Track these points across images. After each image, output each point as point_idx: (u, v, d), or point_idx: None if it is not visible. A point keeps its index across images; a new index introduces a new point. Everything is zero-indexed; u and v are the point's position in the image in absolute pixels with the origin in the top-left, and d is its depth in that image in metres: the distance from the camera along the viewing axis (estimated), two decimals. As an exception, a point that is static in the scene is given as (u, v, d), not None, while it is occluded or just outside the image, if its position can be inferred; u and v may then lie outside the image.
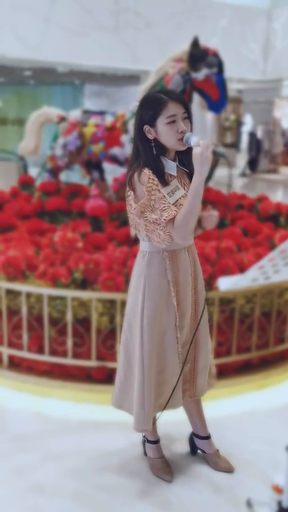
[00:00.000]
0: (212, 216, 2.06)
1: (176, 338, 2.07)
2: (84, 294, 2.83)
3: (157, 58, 4.52)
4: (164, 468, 2.25)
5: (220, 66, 3.90)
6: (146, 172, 1.90)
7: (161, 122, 1.89)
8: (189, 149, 1.89)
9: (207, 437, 2.33)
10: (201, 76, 3.87)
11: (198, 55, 3.85)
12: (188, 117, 1.94)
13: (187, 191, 1.96)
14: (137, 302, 2.06)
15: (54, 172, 4.60)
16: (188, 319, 2.10)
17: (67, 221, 4.14)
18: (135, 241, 2.14)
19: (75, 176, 6.04)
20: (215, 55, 3.89)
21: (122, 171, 4.77)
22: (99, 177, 4.71)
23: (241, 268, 3.01)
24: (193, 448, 2.39)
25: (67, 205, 4.37)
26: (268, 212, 4.37)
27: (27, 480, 2.22)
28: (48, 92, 14.46)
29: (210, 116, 15.15)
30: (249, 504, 2.06)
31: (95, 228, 3.79)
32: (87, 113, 4.42)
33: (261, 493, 2.11)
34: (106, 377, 2.90)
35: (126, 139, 4.07)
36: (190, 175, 1.99)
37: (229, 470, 2.27)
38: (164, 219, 1.88)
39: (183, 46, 3.95)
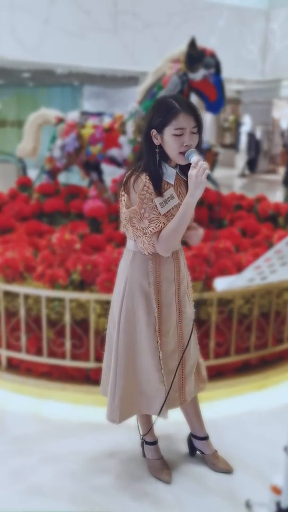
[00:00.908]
0: (197, 235, 2.06)
1: (156, 342, 2.04)
2: (82, 296, 2.82)
3: (155, 59, 4.52)
4: (163, 469, 2.25)
5: (217, 66, 3.90)
6: (143, 179, 1.88)
7: (168, 132, 1.86)
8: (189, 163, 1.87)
9: (205, 438, 2.32)
10: (199, 76, 3.87)
11: (195, 55, 3.85)
12: (199, 131, 1.89)
13: (181, 201, 1.95)
14: (118, 297, 2.08)
15: (53, 173, 4.60)
16: (173, 327, 2.07)
17: (66, 222, 4.13)
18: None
19: (74, 177, 6.04)
20: (213, 55, 3.89)
21: (120, 172, 4.77)
22: (97, 179, 4.71)
23: (240, 269, 3.01)
24: (192, 449, 2.38)
25: (65, 207, 4.37)
26: (267, 213, 4.36)
27: (26, 482, 2.21)
28: (47, 94, 14.46)
29: (209, 117, 15.16)
30: (248, 505, 2.06)
31: (93, 229, 3.79)
32: (85, 114, 4.42)
33: (260, 494, 2.10)
34: (105, 378, 2.90)
35: (124, 140, 4.07)
36: (188, 185, 1.98)
37: (227, 471, 2.27)
38: (150, 231, 1.88)
39: (181, 47, 3.95)
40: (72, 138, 4.29)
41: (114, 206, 4.16)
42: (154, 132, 1.89)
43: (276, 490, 1.66)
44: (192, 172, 1.80)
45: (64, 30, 8.86)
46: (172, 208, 1.93)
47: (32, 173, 6.75)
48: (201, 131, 1.91)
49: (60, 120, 4.48)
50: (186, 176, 1.97)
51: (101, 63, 9.64)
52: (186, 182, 1.98)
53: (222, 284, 1.45)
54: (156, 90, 3.98)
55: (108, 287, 2.82)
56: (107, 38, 9.28)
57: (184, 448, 2.42)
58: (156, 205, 1.89)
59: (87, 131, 4.24)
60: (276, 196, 10.70)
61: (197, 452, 2.38)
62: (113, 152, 4.14)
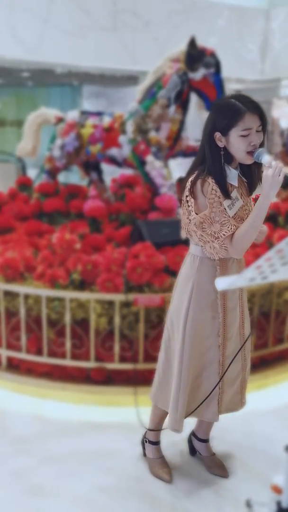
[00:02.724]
0: (262, 232, 2.04)
1: (218, 346, 2.05)
2: (83, 295, 2.82)
3: (155, 58, 4.51)
4: (163, 468, 2.25)
5: (217, 66, 3.90)
6: (210, 182, 1.85)
7: (235, 134, 1.83)
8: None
9: (205, 441, 2.33)
10: (199, 76, 3.86)
11: (195, 55, 3.84)
12: (263, 129, 1.87)
13: (244, 201, 1.94)
14: (182, 304, 2.03)
15: (52, 173, 4.60)
16: (236, 330, 2.07)
17: (66, 222, 4.13)
18: (186, 242, 2.12)
19: (74, 177, 6.03)
20: (213, 55, 3.89)
21: (120, 172, 4.77)
22: (97, 178, 4.70)
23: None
24: (192, 449, 2.39)
25: (65, 206, 4.37)
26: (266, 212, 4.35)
27: (27, 482, 2.21)
28: (47, 94, 14.44)
29: (208, 116, 15.13)
30: (248, 504, 2.05)
31: (93, 229, 3.78)
32: (85, 114, 4.41)
33: (261, 493, 2.10)
34: (105, 378, 2.90)
35: (124, 140, 4.07)
36: (248, 186, 1.98)
37: (223, 475, 2.26)
38: (223, 234, 1.85)
39: (181, 46, 3.95)
40: (71, 138, 4.29)
41: (114, 206, 4.16)
42: (218, 135, 1.86)
43: (277, 490, 1.65)
44: (268, 173, 1.76)
45: (63, 30, 8.86)
46: (239, 209, 1.91)
47: (32, 173, 6.75)
48: (266, 129, 1.88)
49: (60, 120, 4.48)
50: (246, 176, 1.97)
51: (101, 62, 9.63)
52: (246, 183, 1.98)
53: (223, 283, 1.45)
54: (156, 89, 3.98)
55: (108, 287, 2.82)
56: (106, 37, 9.27)
57: (185, 447, 2.42)
58: (225, 208, 1.87)
59: (87, 131, 4.23)
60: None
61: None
62: (113, 151, 4.13)
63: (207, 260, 1.98)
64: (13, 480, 2.23)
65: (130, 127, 4.04)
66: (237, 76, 11.63)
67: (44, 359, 2.92)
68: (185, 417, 2.11)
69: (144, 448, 2.34)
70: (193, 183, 1.89)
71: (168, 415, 2.13)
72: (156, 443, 2.29)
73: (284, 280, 2.55)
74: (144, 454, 2.33)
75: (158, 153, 3.99)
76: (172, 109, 3.96)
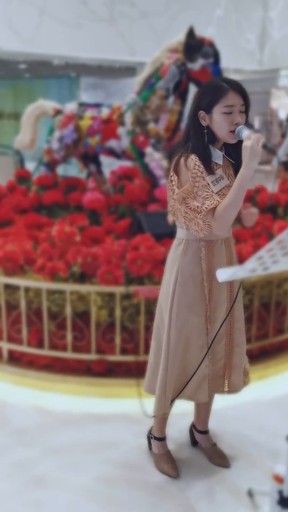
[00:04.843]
0: (252, 214, 2.04)
1: (206, 329, 2.06)
2: (83, 288, 2.82)
3: (152, 49, 4.48)
4: (169, 463, 2.24)
5: (216, 56, 3.87)
6: (193, 158, 1.87)
7: (218, 111, 1.85)
8: (238, 141, 1.86)
9: (205, 432, 2.35)
10: (197, 66, 3.84)
11: (194, 45, 3.81)
12: (246, 110, 1.89)
13: (231, 182, 1.94)
14: (169, 288, 2.05)
15: (51, 165, 4.57)
16: (223, 313, 2.07)
17: (65, 214, 4.12)
18: (173, 227, 2.11)
19: (73, 169, 6.01)
20: (211, 45, 3.86)
21: (119, 164, 4.75)
22: (96, 170, 4.68)
23: (240, 259, 3.01)
24: (193, 439, 2.40)
25: (64, 199, 4.35)
26: (266, 203, 4.35)
27: (28, 474, 2.22)
28: (44, 85, 14.35)
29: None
30: (250, 494, 2.07)
31: (92, 222, 3.78)
32: (83, 105, 4.39)
33: (262, 483, 2.12)
34: (106, 370, 2.91)
35: (122, 131, 4.04)
36: (235, 167, 1.98)
37: (224, 465, 2.27)
38: (206, 208, 1.85)
39: (179, 37, 3.92)
40: (70, 130, 4.27)
41: (113, 198, 4.15)
42: (202, 113, 1.89)
43: (278, 479, 1.67)
44: (246, 143, 1.77)
45: (60, 21, 8.79)
46: (223, 188, 1.92)
47: (30, 166, 6.72)
48: (249, 110, 1.91)
49: (58, 112, 4.45)
50: (232, 158, 1.97)
51: (98, 53, 9.56)
52: (233, 164, 1.98)
53: (224, 275, 1.45)
54: (154, 80, 3.95)
55: (109, 279, 2.82)
56: (103, 28, 9.20)
57: (186, 438, 2.43)
58: (208, 183, 1.88)
59: (85, 123, 4.21)
60: (275, 187, 10.66)
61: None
62: (112, 143, 4.11)
63: (192, 243, 1.99)
64: (15, 472, 2.24)
65: (128, 118, 4.02)
66: (235, 66, 11.56)
67: (45, 352, 2.93)
68: (176, 399, 2.13)
69: (149, 442, 2.34)
70: (177, 161, 1.92)
71: (155, 400, 2.13)
72: (162, 439, 2.29)
73: (284, 271, 2.55)
74: (150, 448, 2.34)
75: (157, 145, 3.98)
76: (171, 100, 3.94)
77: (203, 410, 2.32)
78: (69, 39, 9.01)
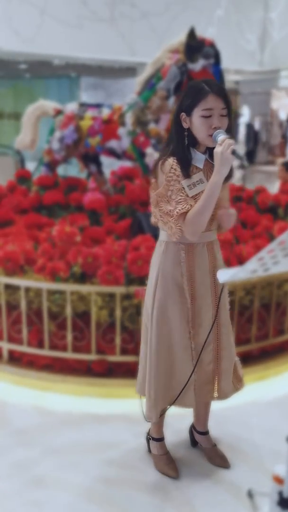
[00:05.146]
0: (230, 215, 1.99)
1: (188, 333, 2.03)
2: (83, 288, 2.82)
3: (153, 49, 4.49)
4: (169, 464, 2.24)
5: (217, 56, 3.87)
6: (170, 161, 1.87)
7: (197, 113, 1.85)
8: None
9: (205, 433, 2.34)
10: (198, 67, 3.84)
11: (194, 46, 3.81)
12: (228, 114, 1.87)
13: None
14: (150, 290, 2.06)
15: (51, 166, 4.58)
16: (208, 319, 2.04)
17: (65, 215, 4.12)
18: (156, 229, 2.11)
19: (73, 169, 6.01)
20: (212, 45, 3.86)
21: (119, 164, 4.75)
22: (96, 171, 4.69)
23: (240, 260, 3.01)
24: (193, 440, 2.40)
25: (64, 199, 4.36)
26: (266, 204, 4.35)
27: (28, 474, 2.22)
28: (44, 86, 14.35)
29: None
30: (250, 494, 2.07)
31: (93, 222, 3.78)
32: (84, 106, 4.39)
33: (262, 483, 2.12)
34: (107, 370, 2.91)
35: (123, 132, 4.05)
36: None
37: (224, 466, 2.26)
38: (177, 212, 1.85)
39: (180, 37, 3.92)
40: (70, 130, 4.27)
41: (114, 198, 4.15)
42: (183, 115, 1.88)
43: (278, 480, 1.67)
44: (217, 149, 1.77)
45: (60, 21, 8.79)
46: (201, 192, 1.90)
47: (30, 166, 6.72)
48: (231, 114, 1.89)
49: (59, 112, 4.45)
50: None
51: (98, 53, 9.57)
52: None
53: (225, 276, 1.45)
54: (155, 80, 3.95)
55: (109, 280, 2.82)
56: (104, 28, 9.20)
57: (186, 439, 2.43)
58: (183, 187, 1.87)
59: (86, 123, 4.21)
60: (275, 187, 10.68)
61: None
62: (112, 143, 4.12)
63: (172, 245, 1.98)
64: (15, 472, 2.24)
65: (129, 119, 4.02)
66: (236, 67, 11.58)
67: (45, 352, 2.93)
68: (168, 406, 2.13)
69: (148, 444, 2.34)
70: (156, 164, 1.92)
71: (146, 407, 2.13)
72: (160, 439, 2.29)
73: (285, 272, 2.56)
74: (149, 450, 2.34)
75: (158, 145, 3.98)
76: (172, 100, 3.94)
77: (202, 411, 2.31)
78: (69, 39, 9.01)
